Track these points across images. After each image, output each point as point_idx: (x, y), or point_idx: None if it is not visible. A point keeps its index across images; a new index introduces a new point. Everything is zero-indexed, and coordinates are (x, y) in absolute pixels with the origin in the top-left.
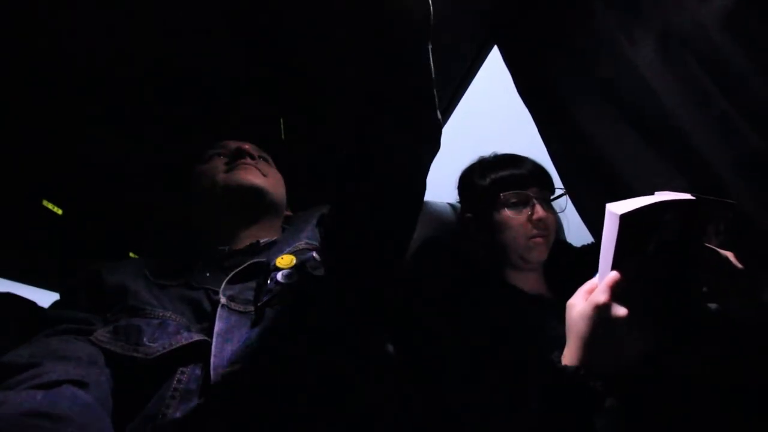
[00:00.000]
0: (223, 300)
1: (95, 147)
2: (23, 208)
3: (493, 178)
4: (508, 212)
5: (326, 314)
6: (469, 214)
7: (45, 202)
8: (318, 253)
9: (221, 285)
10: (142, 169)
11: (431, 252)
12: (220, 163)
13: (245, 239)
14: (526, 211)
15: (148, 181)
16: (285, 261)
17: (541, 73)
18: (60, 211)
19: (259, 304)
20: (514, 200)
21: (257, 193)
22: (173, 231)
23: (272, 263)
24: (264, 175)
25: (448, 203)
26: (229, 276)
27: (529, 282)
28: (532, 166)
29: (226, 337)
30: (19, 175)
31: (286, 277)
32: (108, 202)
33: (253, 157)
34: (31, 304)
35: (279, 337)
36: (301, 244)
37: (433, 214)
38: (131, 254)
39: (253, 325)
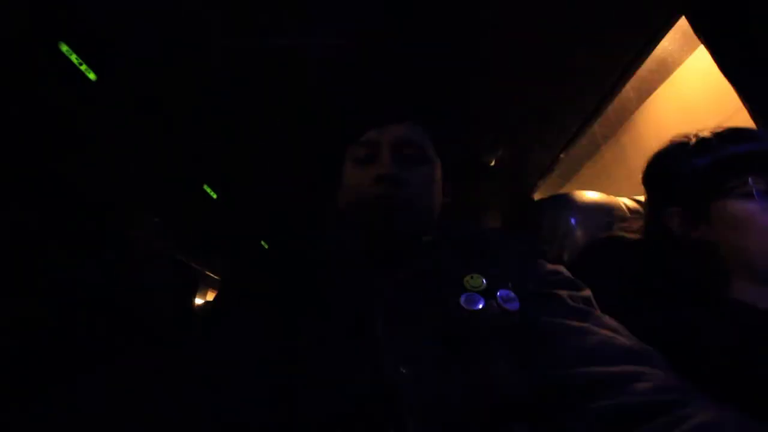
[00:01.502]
0: (383, 310)
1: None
2: (188, 191)
3: (719, 157)
4: (750, 204)
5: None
6: (674, 208)
7: (205, 187)
8: (514, 284)
9: (378, 286)
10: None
11: (607, 255)
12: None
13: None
14: None
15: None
16: (475, 282)
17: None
18: (215, 195)
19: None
20: (763, 186)
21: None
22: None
23: (456, 278)
24: (404, 185)
25: (619, 198)
26: (396, 279)
27: (766, 297)
28: None
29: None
30: (187, 164)
31: (471, 301)
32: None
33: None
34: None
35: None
36: (494, 271)
37: (600, 209)
38: (262, 243)
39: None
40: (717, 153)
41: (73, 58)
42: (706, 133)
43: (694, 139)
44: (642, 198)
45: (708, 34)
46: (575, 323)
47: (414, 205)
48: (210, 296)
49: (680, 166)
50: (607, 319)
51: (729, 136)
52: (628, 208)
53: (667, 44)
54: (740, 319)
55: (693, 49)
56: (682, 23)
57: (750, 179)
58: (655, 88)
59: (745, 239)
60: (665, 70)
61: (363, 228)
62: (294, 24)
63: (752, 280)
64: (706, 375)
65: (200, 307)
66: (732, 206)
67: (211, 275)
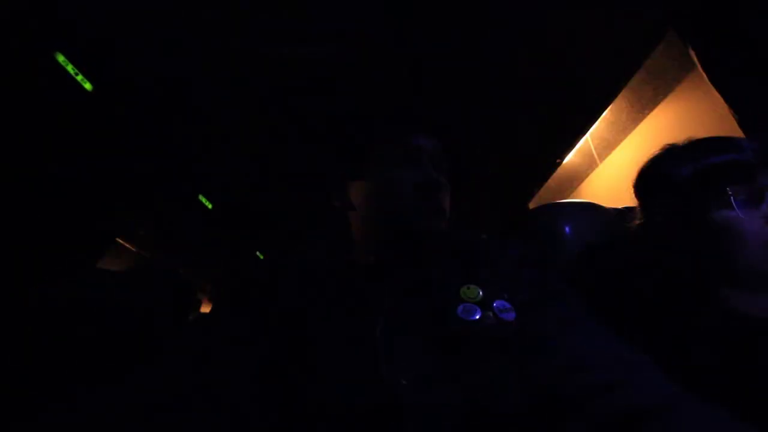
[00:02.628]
0: (382, 317)
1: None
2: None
3: (702, 166)
4: (731, 213)
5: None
6: (660, 217)
7: (201, 197)
8: (509, 294)
9: (378, 293)
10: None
11: (600, 263)
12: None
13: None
14: (761, 210)
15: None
16: (471, 293)
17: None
18: (210, 206)
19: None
20: (742, 196)
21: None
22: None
23: (453, 289)
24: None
25: (614, 208)
26: (395, 287)
27: (758, 304)
28: (759, 147)
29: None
30: (182, 175)
31: (467, 312)
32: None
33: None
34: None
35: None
36: (491, 281)
37: (593, 217)
38: (258, 254)
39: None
40: (699, 163)
41: (69, 68)
42: (692, 143)
43: (680, 149)
44: (634, 206)
45: (698, 45)
46: (570, 331)
47: (445, 212)
48: (205, 307)
49: (667, 175)
50: (601, 326)
51: (713, 146)
52: (621, 217)
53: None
54: (728, 326)
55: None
56: None
57: (729, 189)
58: (652, 105)
59: (726, 247)
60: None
61: (389, 228)
62: (305, 29)
63: (736, 286)
64: (697, 378)
65: (196, 317)
66: (713, 215)
67: (207, 285)
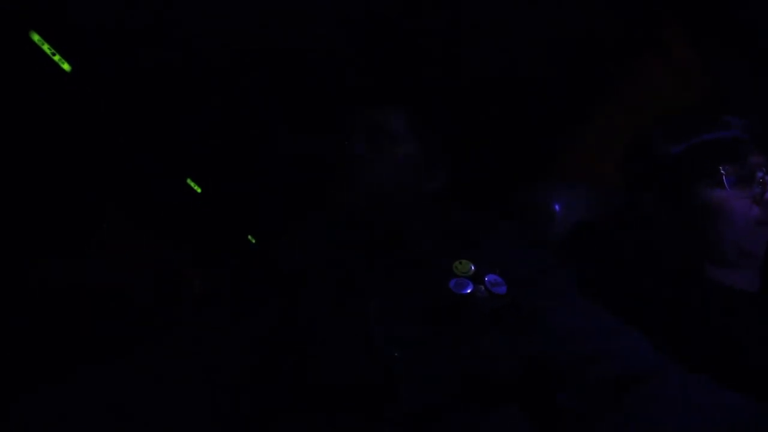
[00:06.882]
0: (374, 294)
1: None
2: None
3: (691, 144)
4: (720, 192)
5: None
6: (648, 194)
7: (189, 181)
8: (502, 269)
9: (369, 271)
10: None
11: (589, 239)
12: None
13: None
14: (751, 190)
15: None
16: (464, 267)
17: None
18: (199, 189)
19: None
20: (733, 175)
21: None
22: None
23: (445, 263)
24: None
25: (605, 187)
26: (387, 264)
27: (744, 279)
28: (750, 124)
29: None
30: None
31: (460, 286)
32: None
33: None
34: None
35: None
36: (483, 256)
37: (582, 195)
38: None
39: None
40: (690, 140)
41: (45, 48)
42: (682, 120)
43: (669, 126)
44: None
45: (686, 20)
46: (560, 305)
47: (377, 184)
48: (196, 290)
49: (656, 152)
50: (589, 300)
51: (703, 122)
52: (609, 194)
53: None
54: (713, 300)
55: None
56: None
57: (721, 168)
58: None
59: (714, 225)
60: None
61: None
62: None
63: (721, 263)
64: (685, 350)
65: (188, 300)
66: (703, 194)
67: (198, 270)
